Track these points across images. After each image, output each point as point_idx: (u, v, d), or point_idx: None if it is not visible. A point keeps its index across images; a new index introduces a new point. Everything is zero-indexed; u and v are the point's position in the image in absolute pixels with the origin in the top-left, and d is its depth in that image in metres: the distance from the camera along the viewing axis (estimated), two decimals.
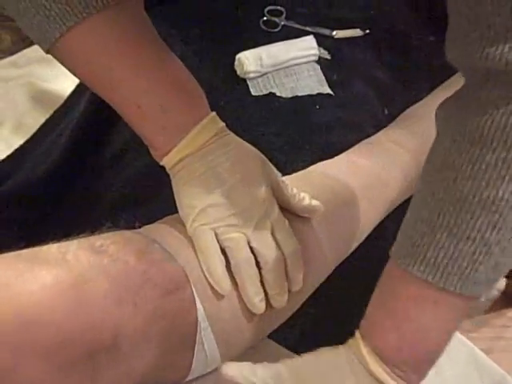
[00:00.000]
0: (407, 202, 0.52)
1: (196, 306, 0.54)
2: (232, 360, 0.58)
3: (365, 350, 0.50)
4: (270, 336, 0.65)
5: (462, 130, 0.46)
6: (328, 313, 0.70)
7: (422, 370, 0.51)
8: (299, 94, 0.88)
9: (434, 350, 0.51)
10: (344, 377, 0.50)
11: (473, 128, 0.45)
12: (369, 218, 0.71)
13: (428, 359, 0.51)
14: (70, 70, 0.59)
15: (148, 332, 0.51)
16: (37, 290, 0.47)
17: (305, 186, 0.66)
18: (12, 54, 1.54)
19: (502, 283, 1.20)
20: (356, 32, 0.98)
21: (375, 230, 0.73)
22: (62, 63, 0.58)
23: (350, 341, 0.53)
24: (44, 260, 0.50)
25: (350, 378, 0.50)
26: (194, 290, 0.54)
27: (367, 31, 0.99)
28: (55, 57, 0.57)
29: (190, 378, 0.57)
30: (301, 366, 0.52)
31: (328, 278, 0.67)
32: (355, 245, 0.70)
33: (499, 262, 0.46)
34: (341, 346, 0.53)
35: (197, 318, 0.54)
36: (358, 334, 0.53)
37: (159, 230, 0.59)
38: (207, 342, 0.55)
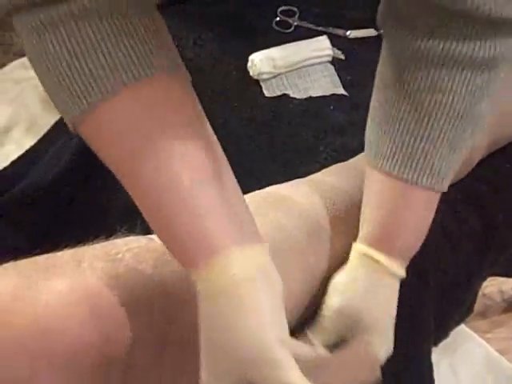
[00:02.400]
0: None
1: None
2: None
3: (385, 261, 0.58)
4: None
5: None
6: None
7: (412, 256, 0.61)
8: (313, 95, 0.87)
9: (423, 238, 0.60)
10: (377, 286, 0.58)
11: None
12: None
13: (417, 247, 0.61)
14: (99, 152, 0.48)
15: (163, 343, 0.50)
16: (52, 299, 0.46)
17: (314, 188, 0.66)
18: (23, 56, 1.55)
19: None
20: (370, 32, 0.97)
21: None
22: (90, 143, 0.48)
23: (367, 257, 0.59)
24: (59, 268, 0.49)
25: (381, 285, 0.58)
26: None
27: (381, 31, 0.98)
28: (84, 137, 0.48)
29: None
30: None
31: None
32: None
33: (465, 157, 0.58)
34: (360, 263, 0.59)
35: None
36: (370, 250, 0.58)
37: None
38: None
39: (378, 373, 0.56)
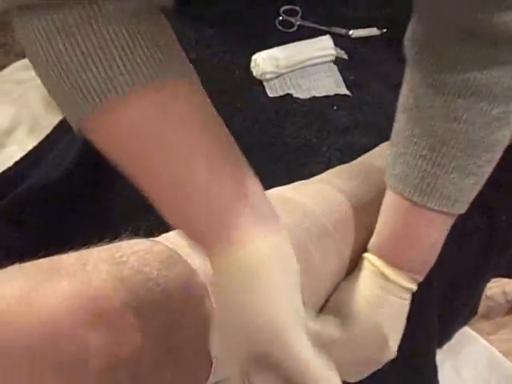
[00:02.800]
0: None
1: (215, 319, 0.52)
2: None
3: (388, 270, 0.61)
4: None
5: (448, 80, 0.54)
6: None
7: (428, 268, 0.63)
8: (316, 95, 0.87)
9: (436, 255, 0.63)
10: (379, 298, 0.61)
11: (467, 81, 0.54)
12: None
13: (432, 261, 0.63)
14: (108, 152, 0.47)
15: (168, 346, 0.50)
16: (57, 302, 0.46)
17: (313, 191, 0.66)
18: (25, 57, 1.54)
19: None
20: (373, 31, 0.97)
21: None
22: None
23: (370, 267, 0.62)
24: (64, 271, 0.49)
25: (390, 296, 0.61)
26: (214, 303, 0.52)
27: (384, 30, 0.98)
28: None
29: None
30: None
31: None
32: None
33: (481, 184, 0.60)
34: (362, 277, 0.62)
35: (214, 331, 0.52)
36: (374, 258, 0.62)
37: (180, 239, 0.57)
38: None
39: (389, 352, 0.61)
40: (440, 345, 0.82)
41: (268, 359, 0.44)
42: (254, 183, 0.47)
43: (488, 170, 0.59)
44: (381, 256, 0.62)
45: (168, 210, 0.47)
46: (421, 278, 0.62)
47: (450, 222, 0.60)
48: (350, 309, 0.60)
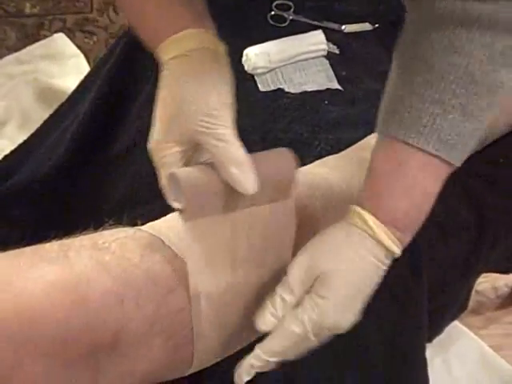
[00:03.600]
0: None
1: (197, 304, 0.53)
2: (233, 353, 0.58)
3: (371, 221, 0.54)
4: None
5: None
6: None
7: (416, 230, 0.57)
8: (308, 90, 0.87)
9: (428, 211, 0.57)
10: (355, 249, 0.54)
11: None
12: None
13: (422, 220, 0.57)
14: None
15: (150, 330, 0.51)
16: (39, 287, 0.47)
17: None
18: (16, 50, 1.54)
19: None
20: (365, 26, 0.97)
21: None
22: None
23: (353, 215, 0.56)
24: (46, 257, 0.50)
25: (361, 249, 0.54)
26: (194, 287, 0.53)
27: (376, 25, 0.97)
28: None
29: (191, 371, 0.57)
30: (313, 244, 0.56)
31: None
32: None
33: (483, 135, 0.56)
34: (342, 223, 0.56)
35: (197, 316, 0.53)
36: (357, 208, 0.55)
37: (162, 227, 0.58)
38: (208, 338, 0.55)
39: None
40: (430, 339, 0.83)
41: (200, 138, 0.54)
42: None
43: (488, 116, 0.54)
44: (368, 209, 0.55)
45: (134, 22, 0.63)
46: (406, 239, 0.56)
47: (443, 174, 0.55)
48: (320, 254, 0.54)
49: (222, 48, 0.61)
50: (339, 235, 0.55)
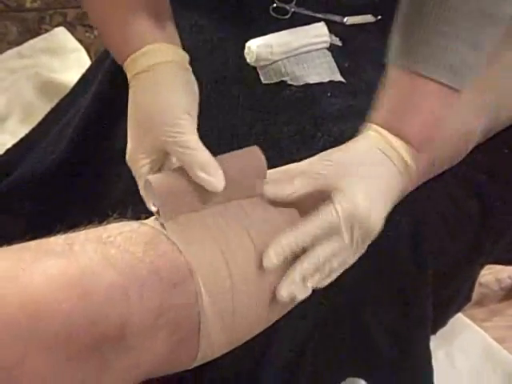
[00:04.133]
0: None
1: (202, 298, 0.53)
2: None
3: (390, 136, 0.61)
4: (281, 328, 0.64)
5: None
6: (340, 303, 0.69)
7: (427, 150, 0.64)
8: (310, 82, 0.86)
9: (438, 136, 0.63)
10: (377, 162, 0.60)
11: None
12: None
13: (433, 140, 0.63)
14: None
15: (154, 324, 0.51)
16: (44, 281, 0.47)
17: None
18: (18, 44, 1.54)
19: None
20: (368, 18, 0.97)
21: (386, 222, 0.72)
22: None
23: (371, 133, 0.62)
24: (51, 251, 0.50)
25: (383, 162, 0.60)
26: (200, 282, 0.53)
27: (379, 17, 0.97)
28: None
29: (195, 364, 0.57)
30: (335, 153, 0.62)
31: None
32: None
33: (485, 59, 0.59)
34: (362, 138, 0.63)
35: (202, 310, 0.53)
36: (375, 126, 0.62)
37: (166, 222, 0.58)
38: (213, 333, 0.55)
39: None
40: (434, 331, 0.83)
41: (167, 147, 0.59)
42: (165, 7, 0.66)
43: (490, 47, 0.58)
44: (382, 125, 0.62)
45: (104, 34, 0.67)
46: (419, 159, 0.62)
47: (449, 100, 0.60)
48: (343, 162, 0.60)
49: (186, 59, 0.66)
50: (360, 149, 0.61)
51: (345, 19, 0.96)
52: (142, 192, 0.62)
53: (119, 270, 0.50)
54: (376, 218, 0.59)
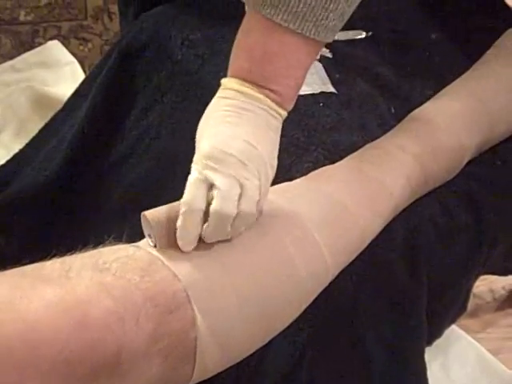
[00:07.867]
0: None
1: (198, 323, 0.54)
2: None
3: (236, 85, 0.60)
4: (276, 341, 0.64)
5: None
6: (335, 315, 0.69)
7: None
8: (301, 93, 0.87)
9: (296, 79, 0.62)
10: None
11: None
12: (372, 228, 0.69)
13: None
14: None
15: (150, 350, 0.51)
16: (41, 308, 0.47)
17: (300, 193, 0.66)
18: (12, 58, 1.54)
19: (509, 283, 1.19)
20: (358, 33, 0.97)
21: (380, 232, 0.72)
22: None
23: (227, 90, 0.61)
24: (48, 278, 0.50)
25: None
26: (195, 308, 0.54)
27: (370, 33, 0.97)
28: None
29: None
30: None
31: (336, 278, 0.66)
32: (356, 253, 0.69)
33: (345, 11, 0.59)
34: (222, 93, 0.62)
35: (199, 335, 0.54)
36: (230, 79, 0.62)
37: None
38: (209, 356, 0.55)
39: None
40: (430, 342, 0.82)
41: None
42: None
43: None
44: (237, 76, 0.61)
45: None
46: (288, 107, 0.62)
47: (305, 51, 0.60)
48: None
49: None
50: (212, 107, 0.61)
51: (336, 37, 0.97)
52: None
53: (115, 297, 0.50)
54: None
